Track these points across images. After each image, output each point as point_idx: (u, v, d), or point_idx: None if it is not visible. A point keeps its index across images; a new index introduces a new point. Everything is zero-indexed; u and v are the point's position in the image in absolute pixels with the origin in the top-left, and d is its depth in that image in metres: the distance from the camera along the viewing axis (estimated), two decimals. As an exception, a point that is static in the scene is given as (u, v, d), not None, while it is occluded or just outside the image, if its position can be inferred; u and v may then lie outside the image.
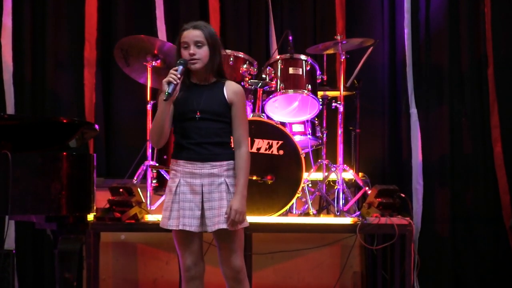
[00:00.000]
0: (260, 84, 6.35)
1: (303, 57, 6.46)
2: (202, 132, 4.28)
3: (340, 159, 6.44)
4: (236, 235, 4.35)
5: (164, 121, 4.23)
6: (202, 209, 4.29)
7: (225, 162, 4.32)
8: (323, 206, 6.58)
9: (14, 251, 6.52)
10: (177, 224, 4.28)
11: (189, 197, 4.29)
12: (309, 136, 6.52)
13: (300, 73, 6.42)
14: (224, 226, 4.26)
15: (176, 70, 4.20)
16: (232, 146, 4.38)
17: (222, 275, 4.45)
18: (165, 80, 4.18)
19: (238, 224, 4.29)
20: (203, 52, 4.30)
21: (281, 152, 6.05)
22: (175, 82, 4.17)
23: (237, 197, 4.29)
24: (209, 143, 4.29)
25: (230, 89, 4.37)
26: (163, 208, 4.38)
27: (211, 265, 4.59)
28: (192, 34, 4.30)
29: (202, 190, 4.29)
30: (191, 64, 4.28)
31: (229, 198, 4.30)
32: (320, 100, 6.52)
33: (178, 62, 4.25)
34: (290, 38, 6.58)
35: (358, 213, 6.27)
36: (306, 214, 6.26)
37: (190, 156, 4.29)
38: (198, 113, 4.28)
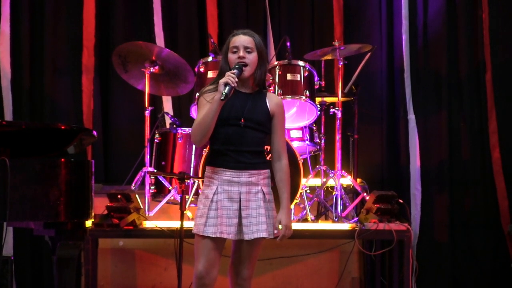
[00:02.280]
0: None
1: (301, 63, 6.46)
2: (244, 140, 4.28)
3: (338, 165, 6.44)
4: (260, 248, 4.38)
5: (213, 120, 4.21)
6: (239, 217, 4.29)
7: (262, 171, 4.34)
8: (322, 212, 6.57)
9: (12, 258, 6.52)
10: (214, 231, 4.26)
11: (227, 205, 4.27)
12: (307, 142, 6.52)
13: (298, 79, 6.41)
14: (263, 235, 4.27)
15: (234, 73, 4.19)
16: (267, 155, 4.39)
17: (229, 279, 4.45)
18: (222, 80, 4.16)
19: (286, 238, 4.34)
20: (252, 58, 4.31)
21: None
22: (233, 85, 4.16)
23: (284, 211, 4.33)
24: (248, 151, 4.30)
25: (273, 100, 4.39)
26: (196, 215, 4.34)
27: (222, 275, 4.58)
28: (242, 39, 4.32)
29: (239, 198, 4.28)
30: (242, 68, 4.28)
31: (266, 207, 4.32)
32: (318, 106, 6.52)
33: (235, 66, 4.25)
34: (288, 44, 6.58)
35: (356, 219, 6.27)
36: (305, 220, 6.25)
37: (229, 164, 4.29)
38: (242, 120, 4.28)
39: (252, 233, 4.27)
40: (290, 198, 5.98)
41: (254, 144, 4.31)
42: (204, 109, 4.27)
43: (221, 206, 4.27)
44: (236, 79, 4.18)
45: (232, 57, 4.30)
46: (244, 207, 4.28)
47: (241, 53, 4.28)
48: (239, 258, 4.38)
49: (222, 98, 4.14)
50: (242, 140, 4.28)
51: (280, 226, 4.35)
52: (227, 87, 4.15)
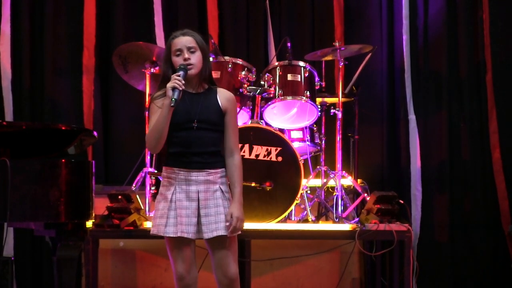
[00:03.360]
0: (259, 90, 6.35)
1: (301, 63, 6.47)
2: (199, 142, 4.28)
3: (338, 165, 6.44)
4: (232, 242, 4.36)
5: (165, 127, 4.21)
6: (198, 216, 4.29)
7: (219, 170, 4.33)
8: (322, 213, 6.57)
9: (13, 258, 6.51)
10: (175, 231, 4.27)
11: (185, 204, 4.28)
12: (307, 142, 6.52)
13: (299, 79, 6.42)
14: (222, 232, 4.27)
15: (179, 76, 4.19)
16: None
17: (216, 282, 4.44)
18: (169, 85, 4.15)
19: (239, 230, 4.30)
20: (197, 58, 4.30)
21: (279, 158, 6.05)
22: (180, 88, 4.16)
23: (236, 204, 4.30)
24: (205, 152, 4.29)
25: (224, 96, 4.38)
26: (155, 216, 4.35)
27: (209, 272, 4.58)
28: (184, 40, 4.31)
29: (198, 197, 4.28)
30: (188, 69, 4.28)
31: (224, 205, 4.31)
32: (319, 106, 6.52)
33: (179, 67, 4.24)
34: (289, 44, 6.58)
35: (357, 219, 6.26)
36: (305, 220, 6.25)
37: (186, 164, 4.29)
38: (195, 123, 4.28)
39: (211, 232, 4.27)
40: (291, 199, 6.04)
41: (210, 145, 4.31)
42: (155, 116, 4.27)
43: (180, 205, 4.28)
44: (183, 81, 4.18)
45: (177, 60, 4.29)
46: (202, 205, 4.28)
47: (186, 55, 4.27)
48: (216, 259, 4.37)
49: (172, 104, 4.13)
50: (197, 142, 4.28)
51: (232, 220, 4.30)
52: (176, 92, 4.13)
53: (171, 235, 4.28)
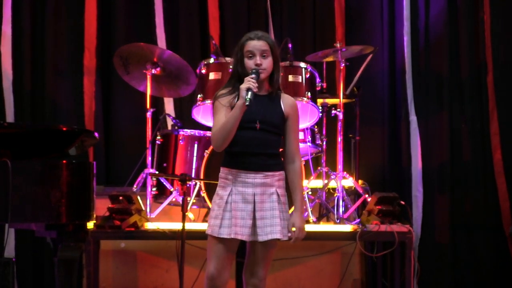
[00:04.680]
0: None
1: (302, 64, 6.46)
2: (260, 143, 4.26)
3: (339, 166, 6.44)
4: (274, 249, 4.37)
5: (235, 126, 4.19)
6: (254, 219, 4.28)
7: (277, 173, 4.31)
8: (323, 214, 6.57)
9: (14, 259, 6.51)
10: (229, 233, 4.24)
11: (241, 206, 4.26)
12: (308, 143, 6.51)
13: (300, 80, 6.41)
14: (277, 236, 4.25)
15: (253, 78, 4.19)
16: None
17: (243, 283, 4.45)
18: (243, 86, 4.13)
19: (299, 240, 4.32)
20: (268, 63, 4.29)
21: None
22: (255, 90, 4.16)
23: (297, 213, 4.30)
24: (264, 154, 4.27)
25: (287, 102, 4.38)
26: (210, 216, 4.31)
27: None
28: (258, 44, 4.30)
29: (254, 200, 4.28)
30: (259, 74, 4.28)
31: (280, 209, 4.29)
32: (320, 107, 6.52)
33: (252, 71, 4.23)
34: (290, 45, 6.58)
35: (358, 220, 6.26)
36: (306, 221, 6.24)
37: (245, 165, 4.27)
38: (258, 123, 4.28)
39: (266, 235, 4.26)
40: (291, 200, 6.03)
41: (269, 147, 4.30)
42: (220, 113, 4.26)
43: (235, 207, 4.25)
44: (257, 84, 4.19)
45: (248, 62, 4.29)
46: (258, 208, 4.26)
47: (258, 60, 4.27)
48: (254, 260, 4.37)
49: (247, 103, 4.12)
50: (258, 143, 4.26)
51: (293, 229, 4.32)
52: (250, 92, 4.14)
53: (225, 236, 4.24)
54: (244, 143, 4.26)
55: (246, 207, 4.25)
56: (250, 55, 4.29)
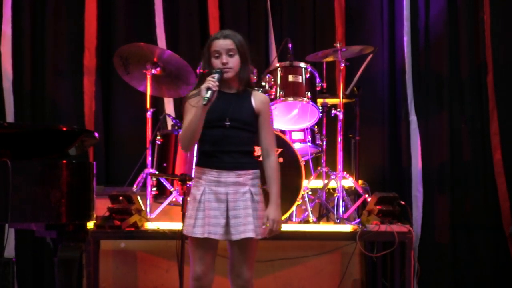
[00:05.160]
0: (260, 91, 6.35)
1: (302, 64, 6.47)
2: (230, 141, 4.27)
3: (339, 166, 6.44)
4: (254, 246, 4.35)
5: (198, 126, 4.21)
6: (227, 218, 4.29)
7: (250, 171, 4.31)
8: (323, 214, 6.57)
9: (14, 259, 6.51)
10: (202, 232, 4.26)
11: (214, 205, 4.27)
12: (308, 143, 6.51)
13: (300, 80, 6.42)
14: (250, 235, 4.25)
15: (214, 77, 4.20)
16: (255, 155, 4.38)
17: (230, 284, 4.45)
18: (204, 86, 4.15)
19: (274, 233, 4.30)
20: (235, 61, 4.29)
21: (280, 159, 6.04)
22: (214, 89, 4.16)
23: (272, 206, 4.30)
24: (236, 151, 4.28)
25: (258, 98, 4.37)
26: (186, 216, 4.34)
27: (219, 276, 4.57)
28: (224, 43, 4.30)
29: (227, 199, 4.28)
30: (224, 73, 4.28)
31: (254, 207, 4.29)
32: (320, 107, 6.52)
33: (215, 70, 4.23)
34: (290, 45, 6.58)
35: (358, 220, 6.27)
36: (306, 221, 6.25)
37: (216, 164, 4.27)
38: (227, 121, 4.28)
39: (239, 233, 4.26)
40: (292, 200, 6.04)
41: (241, 144, 4.30)
42: (189, 114, 4.28)
43: (208, 206, 4.26)
44: (217, 83, 4.18)
45: (215, 62, 4.29)
46: (231, 207, 4.27)
47: (224, 59, 4.27)
48: (235, 261, 4.37)
49: (205, 103, 4.13)
50: (228, 141, 4.27)
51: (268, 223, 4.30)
52: (209, 92, 4.14)
53: (199, 236, 4.26)
54: (214, 141, 4.27)
55: (219, 206, 4.26)
56: (217, 54, 4.29)
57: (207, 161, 4.30)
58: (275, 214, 4.28)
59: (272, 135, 4.41)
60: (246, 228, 4.25)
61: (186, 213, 4.36)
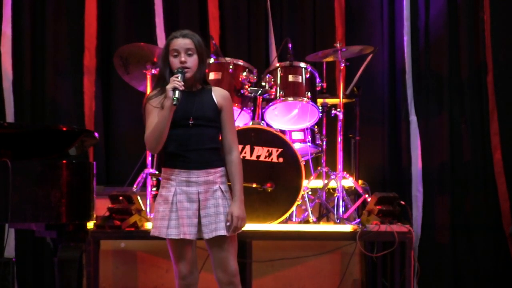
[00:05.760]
0: (260, 91, 6.36)
1: (302, 64, 6.47)
2: (196, 139, 4.28)
3: (340, 166, 6.45)
4: (232, 241, 4.35)
5: (166, 126, 4.22)
6: (199, 217, 4.29)
7: (219, 169, 4.33)
8: (323, 214, 6.57)
9: (14, 259, 6.51)
10: (177, 233, 4.27)
11: (186, 206, 4.28)
12: (308, 143, 6.51)
13: (300, 80, 6.42)
14: (222, 232, 4.26)
15: (178, 77, 4.20)
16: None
17: (216, 281, 4.45)
18: (169, 86, 4.16)
19: (240, 229, 4.31)
20: (193, 61, 4.31)
21: (280, 159, 6.05)
22: (181, 88, 4.17)
23: (236, 203, 4.30)
24: (203, 149, 4.29)
25: (219, 94, 4.39)
26: (155, 217, 4.34)
27: (210, 272, 4.58)
28: (182, 42, 4.31)
29: (198, 198, 4.29)
30: (185, 72, 4.29)
31: (224, 204, 4.30)
32: (320, 107, 6.52)
33: (177, 70, 4.25)
34: (290, 45, 6.58)
35: (358, 220, 6.27)
36: (306, 221, 6.25)
37: (185, 164, 4.28)
38: (191, 120, 4.28)
39: (211, 232, 4.27)
40: (292, 200, 6.04)
41: (207, 142, 4.30)
42: (152, 116, 4.29)
43: (181, 207, 4.27)
44: (182, 83, 4.19)
45: (173, 60, 4.30)
46: (202, 206, 4.28)
47: (183, 58, 4.28)
48: (217, 258, 4.36)
49: (175, 103, 4.14)
50: (194, 139, 4.28)
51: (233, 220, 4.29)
52: (177, 92, 4.15)
53: (174, 237, 4.27)
54: (180, 141, 4.28)
55: (192, 206, 4.27)
56: (175, 53, 4.31)
57: (175, 161, 4.30)
58: (238, 211, 4.29)
59: (234, 131, 4.41)
60: (218, 226, 4.27)
61: (155, 214, 4.35)
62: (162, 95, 4.26)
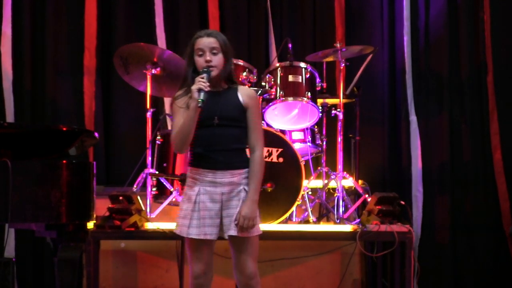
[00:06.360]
0: (260, 91, 6.36)
1: (302, 64, 6.47)
2: (221, 139, 4.27)
3: (340, 166, 6.44)
4: (249, 242, 4.34)
5: (192, 127, 4.20)
6: (221, 217, 4.29)
7: (243, 170, 4.32)
8: (323, 214, 6.57)
9: (14, 259, 6.52)
10: (198, 233, 4.26)
11: (209, 206, 4.27)
12: (308, 143, 6.51)
13: (300, 80, 6.42)
14: (232, 232, 4.26)
15: (203, 78, 4.19)
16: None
17: (236, 282, 4.46)
18: (194, 87, 4.15)
19: (248, 230, 4.28)
20: (218, 59, 4.30)
21: (280, 159, 6.05)
22: (206, 89, 4.16)
23: (247, 202, 4.29)
24: (228, 150, 4.28)
25: (245, 93, 4.37)
26: (179, 216, 4.33)
27: (218, 275, 4.58)
28: (207, 41, 4.30)
29: (221, 199, 4.28)
30: (210, 72, 4.28)
31: None
32: (320, 107, 6.52)
33: (202, 70, 4.24)
34: (290, 45, 6.58)
35: (358, 220, 6.26)
36: (306, 221, 6.25)
37: (210, 164, 4.27)
38: (216, 119, 4.28)
39: (227, 231, 4.27)
40: (292, 200, 6.04)
41: (232, 142, 4.30)
42: (178, 116, 4.28)
43: (203, 207, 4.27)
44: (208, 83, 4.18)
45: (199, 60, 4.30)
46: (225, 206, 4.28)
47: (208, 57, 4.27)
48: (236, 257, 4.38)
49: (200, 105, 4.13)
50: (219, 139, 4.27)
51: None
52: (202, 93, 4.14)
53: (194, 237, 4.26)
54: (205, 141, 4.27)
55: (214, 206, 4.28)
56: (200, 52, 4.30)
57: (200, 161, 4.30)
58: (247, 211, 4.27)
59: (260, 130, 4.40)
60: (231, 225, 4.27)
61: (179, 213, 4.35)
62: (187, 95, 4.25)
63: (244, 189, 4.31)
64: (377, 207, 6.10)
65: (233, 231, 4.26)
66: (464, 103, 7.17)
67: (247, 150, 4.37)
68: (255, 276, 4.38)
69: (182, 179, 5.32)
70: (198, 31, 4.39)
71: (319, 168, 6.62)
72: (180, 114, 4.28)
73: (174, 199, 6.24)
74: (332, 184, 6.47)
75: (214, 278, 4.48)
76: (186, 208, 4.31)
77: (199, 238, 4.26)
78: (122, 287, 6.87)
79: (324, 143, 6.65)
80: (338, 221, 6.27)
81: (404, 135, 7.14)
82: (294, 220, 6.36)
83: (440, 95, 7.19)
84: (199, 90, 4.15)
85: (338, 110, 6.48)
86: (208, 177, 4.28)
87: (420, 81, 7.19)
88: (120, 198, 6.04)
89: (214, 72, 4.28)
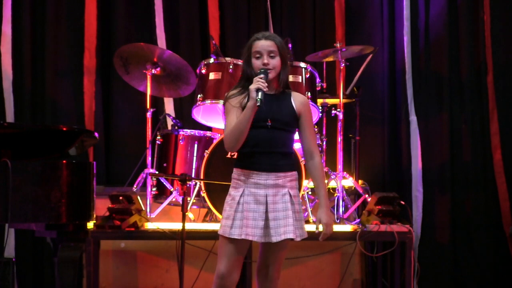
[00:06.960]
0: (260, 91, 6.35)
1: (302, 64, 6.46)
2: (269, 141, 4.27)
3: (339, 166, 6.44)
4: (286, 249, 4.37)
5: (246, 127, 4.19)
6: (266, 220, 4.28)
7: (289, 173, 4.31)
8: (323, 214, 6.56)
9: (14, 259, 6.52)
10: (239, 233, 4.24)
11: (253, 207, 4.26)
12: (308, 143, 6.50)
13: (300, 80, 6.41)
14: (291, 236, 4.25)
15: (262, 78, 4.19)
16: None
17: (256, 284, 4.47)
18: (253, 87, 4.14)
19: (328, 236, 4.31)
20: (276, 62, 4.30)
21: (280, 159, 6.04)
22: (264, 89, 4.16)
23: (323, 209, 4.30)
24: (276, 152, 4.28)
25: (298, 100, 4.37)
26: (223, 216, 4.32)
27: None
28: (265, 44, 4.32)
29: (266, 201, 4.27)
30: (268, 73, 4.27)
31: (293, 209, 4.29)
32: (320, 107, 6.53)
33: (260, 71, 4.24)
34: (290, 45, 6.57)
35: (358, 220, 6.27)
36: (306, 221, 6.23)
37: (256, 166, 4.27)
38: (269, 122, 4.27)
39: (280, 235, 4.25)
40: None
41: (282, 145, 4.30)
42: (232, 114, 4.27)
43: (247, 208, 4.25)
44: (266, 84, 4.18)
45: (256, 62, 4.30)
46: (271, 209, 4.26)
47: (265, 60, 4.28)
48: (266, 261, 4.38)
49: (258, 104, 4.12)
50: (270, 141, 4.27)
51: (320, 226, 4.30)
52: (260, 93, 4.14)
53: (236, 237, 4.24)
54: (255, 142, 4.27)
55: (258, 208, 4.25)
56: (258, 55, 4.30)
57: (247, 162, 4.29)
58: (327, 218, 4.30)
59: (314, 136, 4.41)
60: (287, 229, 4.25)
61: (223, 213, 4.33)
62: (242, 95, 4.26)
63: (289, 192, 4.29)
64: (377, 207, 6.10)
65: (291, 235, 4.24)
66: (464, 103, 7.17)
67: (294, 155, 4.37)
68: (277, 280, 4.44)
69: (182, 179, 5.30)
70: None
71: (319, 168, 6.61)
72: (233, 113, 4.27)
73: (174, 199, 6.24)
74: (332, 184, 6.46)
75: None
76: (229, 209, 4.29)
77: (234, 239, 4.24)
78: (122, 287, 6.87)
79: (324, 143, 6.65)
80: (338, 221, 6.27)
81: (404, 135, 7.14)
82: (294, 220, 6.34)
83: (440, 95, 7.19)
84: (258, 89, 4.14)
85: (338, 110, 6.48)
86: (253, 179, 4.27)
87: (420, 81, 7.19)
88: (120, 198, 6.04)
89: (271, 74, 4.28)
